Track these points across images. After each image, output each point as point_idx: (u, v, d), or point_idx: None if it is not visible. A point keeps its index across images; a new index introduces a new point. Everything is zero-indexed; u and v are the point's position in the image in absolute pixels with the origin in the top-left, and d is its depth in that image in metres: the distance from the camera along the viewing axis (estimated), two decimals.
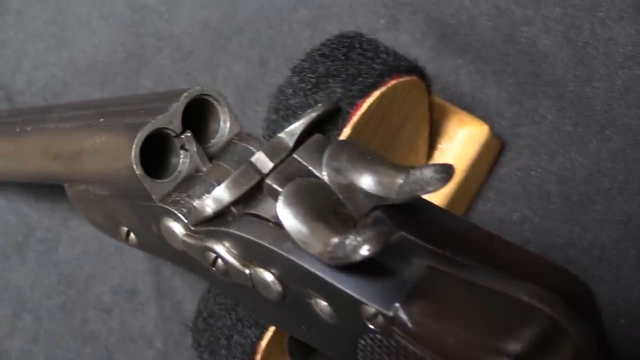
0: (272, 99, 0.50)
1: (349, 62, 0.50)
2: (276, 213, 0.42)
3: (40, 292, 0.68)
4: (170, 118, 0.47)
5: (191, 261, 0.48)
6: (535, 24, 0.63)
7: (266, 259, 0.44)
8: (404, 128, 0.52)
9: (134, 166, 0.46)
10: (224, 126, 0.49)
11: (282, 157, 0.45)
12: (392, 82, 0.49)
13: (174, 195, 0.48)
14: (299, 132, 0.46)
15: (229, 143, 0.49)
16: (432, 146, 0.57)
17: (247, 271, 0.45)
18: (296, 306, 0.44)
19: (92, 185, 0.52)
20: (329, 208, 0.42)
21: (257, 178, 0.45)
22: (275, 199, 0.42)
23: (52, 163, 0.53)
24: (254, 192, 0.45)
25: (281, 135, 0.46)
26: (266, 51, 0.69)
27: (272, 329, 0.52)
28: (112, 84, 0.71)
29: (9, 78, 0.73)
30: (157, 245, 0.50)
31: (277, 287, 0.44)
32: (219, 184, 0.47)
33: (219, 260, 0.46)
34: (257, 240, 0.44)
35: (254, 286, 0.45)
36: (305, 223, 0.41)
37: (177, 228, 0.47)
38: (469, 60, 0.64)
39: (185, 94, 0.48)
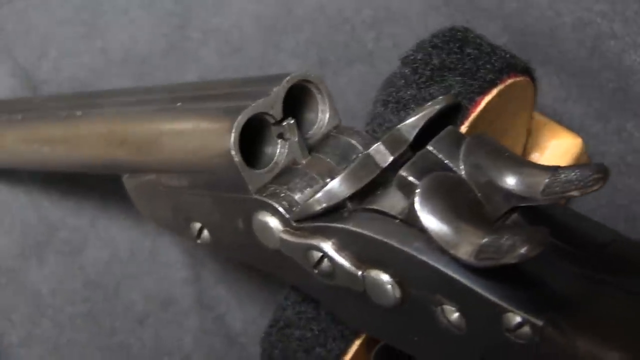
0: (378, 91, 0.47)
1: (466, 56, 0.47)
2: (404, 209, 0.40)
3: (63, 297, 0.64)
4: (272, 103, 0.44)
5: (281, 262, 0.45)
6: (622, 38, 0.61)
7: (387, 259, 0.41)
8: (509, 131, 0.50)
9: (233, 152, 0.43)
10: (323, 117, 0.47)
11: (402, 151, 0.42)
12: (510, 80, 0.46)
13: (271, 188, 0.45)
14: (420, 125, 0.43)
15: (328, 136, 0.46)
16: (523, 155, 0.54)
17: (359, 273, 0.42)
18: (414, 314, 0.41)
19: (165, 175, 0.48)
20: (467, 205, 0.39)
21: (377, 171, 0.42)
22: (407, 193, 0.39)
23: (117, 149, 0.50)
24: (371, 187, 0.42)
25: (400, 127, 0.43)
26: (325, 51, 0.65)
27: (357, 342, 0.48)
28: (150, 77, 0.67)
29: (34, 66, 0.68)
30: (239, 243, 0.47)
31: (396, 291, 0.41)
32: (322, 178, 0.44)
33: (325, 261, 0.43)
34: (380, 238, 0.41)
35: (364, 290, 0.42)
36: (449, 220, 0.38)
37: (274, 223, 0.45)
38: (551, 71, 0.62)
39: (288, 77, 0.45)
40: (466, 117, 0.46)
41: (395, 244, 0.40)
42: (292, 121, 0.45)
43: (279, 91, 0.44)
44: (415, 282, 0.40)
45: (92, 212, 0.66)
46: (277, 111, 0.44)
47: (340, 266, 0.42)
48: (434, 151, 0.41)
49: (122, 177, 0.53)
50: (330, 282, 0.43)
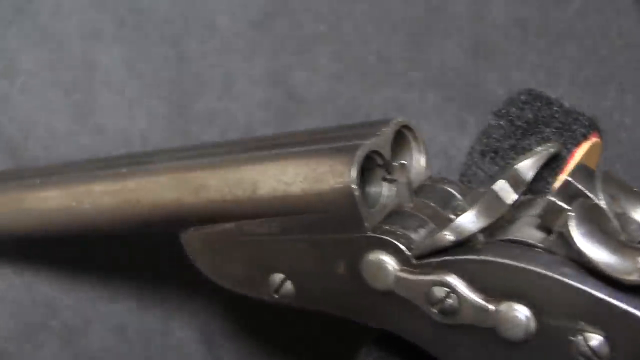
0: (473, 143, 0.49)
1: (554, 112, 0.50)
2: (544, 238, 0.41)
3: None
4: (382, 143, 0.45)
5: (385, 307, 0.45)
6: None
7: (525, 289, 0.41)
8: None
9: (353, 187, 0.44)
10: (418, 165, 0.48)
11: (524, 189, 0.44)
12: (594, 138, 0.49)
13: (385, 227, 0.45)
14: (537, 166, 0.45)
15: (423, 184, 0.47)
16: None
17: (490, 306, 0.42)
18: (546, 346, 0.42)
19: (251, 222, 0.48)
20: (611, 231, 0.41)
21: (505, 207, 0.43)
22: (549, 221, 0.41)
23: (192, 198, 0.49)
24: (497, 222, 0.43)
25: (517, 167, 0.45)
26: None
27: None
28: None
29: (20, 145, 0.67)
30: (333, 291, 0.47)
31: (531, 323, 0.42)
32: (431, 221, 0.45)
33: (450, 297, 0.43)
34: (523, 265, 0.42)
35: (494, 326, 0.42)
36: (605, 243, 0.39)
37: (391, 262, 0.45)
38: None
39: (395, 120, 0.46)
40: (565, 166, 0.48)
41: (541, 270, 0.41)
42: (404, 162, 0.45)
43: (388, 132, 0.45)
44: (556, 311, 0.41)
45: (92, 291, 0.63)
46: (386, 152, 0.45)
47: (469, 301, 0.42)
48: (574, 182, 0.42)
49: (183, 232, 0.51)
50: (451, 320, 0.43)
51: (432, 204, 0.46)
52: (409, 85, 0.65)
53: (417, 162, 0.47)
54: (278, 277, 0.49)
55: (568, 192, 0.42)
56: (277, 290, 0.49)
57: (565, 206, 0.41)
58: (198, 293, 0.62)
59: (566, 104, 0.50)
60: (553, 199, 0.41)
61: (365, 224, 0.44)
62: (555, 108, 0.50)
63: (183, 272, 0.61)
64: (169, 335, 0.62)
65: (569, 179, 0.42)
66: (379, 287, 0.45)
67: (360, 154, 0.44)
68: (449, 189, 0.47)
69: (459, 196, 0.46)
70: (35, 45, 0.69)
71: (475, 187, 0.49)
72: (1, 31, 0.70)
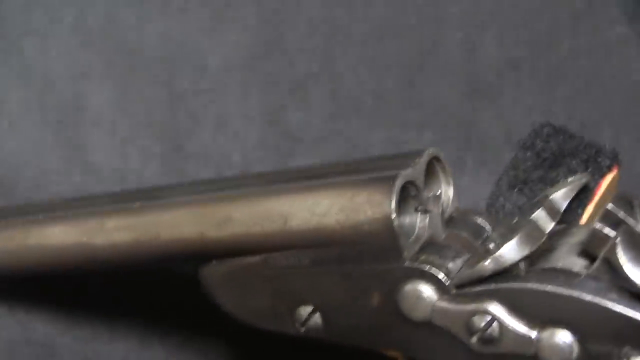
0: (502, 175, 0.50)
1: (578, 144, 0.51)
2: (586, 265, 0.42)
3: None
4: (417, 174, 0.46)
5: (421, 338, 0.46)
6: None
7: (570, 316, 0.42)
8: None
9: (393, 216, 0.44)
10: (446, 196, 0.48)
11: (559, 218, 0.45)
12: (615, 170, 0.51)
13: (422, 257, 0.45)
14: (570, 197, 0.46)
15: (452, 215, 0.48)
16: None
17: (533, 334, 0.43)
18: None
19: (279, 255, 0.48)
20: None
21: (544, 236, 0.44)
22: (594, 248, 0.42)
23: (216, 231, 0.49)
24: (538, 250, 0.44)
25: (551, 198, 0.46)
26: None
27: None
28: None
29: (12, 183, 0.66)
30: (364, 323, 0.47)
31: (574, 350, 0.42)
32: (466, 251, 0.46)
33: (490, 327, 0.43)
34: (568, 293, 0.42)
35: (535, 354, 0.43)
36: None
37: (429, 292, 0.45)
38: None
39: (428, 151, 0.47)
40: (592, 197, 0.49)
41: (587, 297, 0.41)
42: (438, 193, 0.46)
43: (422, 162, 0.46)
44: (601, 336, 0.41)
45: (91, 330, 0.62)
46: (420, 182, 0.46)
47: (511, 329, 0.43)
48: (614, 210, 0.43)
49: (203, 266, 0.51)
50: (491, 350, 0.44)
51: (463, 235, 0.46)
52: (406, 124, 0.65)
53: (446, 193, 0.48)
54: (305, 310, 0.48)
55: (610, 220, 0.42)
56: (303, 324, 0.49)
57: (610, 233, 0.41)
58: (202, 331, 0.62)
59: (586, 138, 0.51)
60: (598, 226, 0.42)
61: (404, 254, 0.44)
62: (578, 141, 0.51)
63: (186, 310, 0.61)
64: None
65: (611, 206, 0.43)
66: (417, 318, 0.45)
67: (398, 183, 0.44)
68: (478, 220, 0.47)
69: (488, 227, 0.47)
70: (23, 84, 0.69)
71: (503, 219, 0.49)
72: None
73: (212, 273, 0.51)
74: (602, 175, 0.50)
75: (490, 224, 0.47)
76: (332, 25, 0.71)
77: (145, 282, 0.65)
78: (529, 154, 0.52)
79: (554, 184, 0.49)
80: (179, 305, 0.64)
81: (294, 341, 0.50)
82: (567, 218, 0.47)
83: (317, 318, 0.48)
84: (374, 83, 0.68)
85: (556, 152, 0.52)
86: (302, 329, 0.49)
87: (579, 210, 0.49)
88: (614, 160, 0.51)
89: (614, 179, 0.51)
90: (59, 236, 0.55)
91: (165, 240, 0.51)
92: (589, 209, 0.49)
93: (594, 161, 0.51)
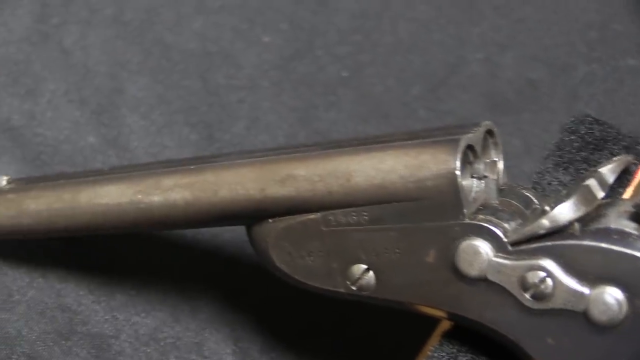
0: (548, 154, 0.54)
1: (616, 132, 0.55)
2: (638, 227, 0.45)
3: None
4: (476, 140, 0.49)
5: (475, 293, 0.48)
6: None
7: (622, 273, 0.45)
8: None
9: (457, 173, 0.47)
10: (499, 166, 0.51)
11: (607, 191, 0.48)
12: None
13: (480, 216, 0.48)
14: (617, 172, 0.49)
15: (501, 188, 0.51)
16: None
17: (585, 290, 0.45)
18: (636, 330, 0.45)
19: (339, 212, 0.50)
20: None
21: (597, 201, 0.47)
22: None
23: (278, 188, 0.51)
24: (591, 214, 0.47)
25: (600, 171, 0.49)
26: None
27: None
28: None
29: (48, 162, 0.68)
30: (418, 279, 0.49)
31: (623, 307, 0.45)
32: (518, 216, 0.48)
33: (545, 282, 0.46)
34: (621, 249, 0.45)
35: (585, 309, 0.45)
36: None
37: (485, 248, 0.47)
38: None
39: (485, 122, 0.50)
40: (630, 182, 0.52)
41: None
42: (495, 160, 0.49)
43: (481, 130, 0.49)
44: None
45: (123, 300, 0.64)
46: (478, 147, 0.49)
47: (564, 285, 0.45)
48: None
49: (257, 224, 0.53)
50: (542, 305, 0.46)
51: (515, 203, 0.49)
52: None
53: (499, 164, 0.51)
54: (359, 268, 0.50)
55: None
56: (355, 282, 0.51)
57: None
58: (234, 305, 0.64)
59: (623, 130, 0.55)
60: None
61: (464, 211, 0.47)
62: (617, 130, 0.55)
63: (219, 283, 0.63)
64: (202, 347, 0.63)
65: None
66: (472, 274, 0.47)
67: (462, 143, 0.47)
68: (527, 193, 0.50)
69: (535, 200, 0.49)
70: (61, 69, 0.71)
71: (550, 194, 0.52)
72: (26, 52, 0.71)
73: (267, 231, 0.53)
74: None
75: (537, 199, 0.50)
76: (361, 36, 0.74)
77: (181, 256, 0.66)
78: (573, 137, 0.55)
79: (597, 165, 0.51)
80: (213, 280, 0.66)
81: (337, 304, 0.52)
82: (611, 196, 0.50)
83: (369, 276, 0.50)
84: (401, 91, 0.72)
85: (599, 137, 0.55)
86: (354, 288, 0.51)
87: (620, 190, 0.52)
88: None
89: None
90: (113, 194, 0.56)
91: (224, 198, 0.53)
92: (630, 189, 0.52)
93: (634, 148, 0.54)
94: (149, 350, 0.63)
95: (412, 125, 0.69)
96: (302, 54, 0.73)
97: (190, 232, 0.66)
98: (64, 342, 0.62)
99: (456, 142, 0.47)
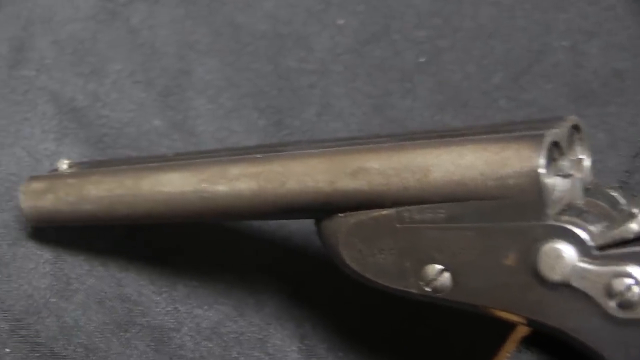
0: (637, 154, 0.52)
1: None
2: None
3: None
4: (562, 136, 0.46)
5: (557, 299, 0.46)
6: None
7: None
8: None
9: (541, 171, 0.44)
10: (585, 164, 0.49)
11: None
12: None
13: (564, 217, 0.45)
14: None
15: (587, 187, 0.48)
16: None
17: None
18: None
19: (414, 209, 0.48)
20: None
21: None
22: None
23: (350, 181, 0.50)
24: None
25: None
26: None
27: None
28: None
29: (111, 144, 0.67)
30: (496, 283, 0.47)
31: None
32: (604, 218, 0.46)
33: (631, 289, 0.44)
34: None
35: None
36: None
37: (569, 252, 0.45)
38: None
39: (571, 117, 0.48)
40: None
41: None
42: (581, 158, 0.47)
43: (567, 125, 0.47)
44: None
45: (186, 292, 0.63)
46: (564, 144, 0.46)
47: None
48: None
49: (326, 218, 0.51)
50: (629, 315, 0.44)
51: (601, 204, 0.47)
52: None
53: (585, 162, 0.48)
54: (434, 268, 0.49)
55: None
56: (429, 283, 0.49)
57: None
58: (301, 299, 0.62)
59: None
60: None
61: (547, 211, 0.44)
62: None
63: (286, 276, 0.61)
64: (266, 343, 0.61)
65: None
66: (554, 279, 0.45)
67: (547, 139, 0.44)
68: (613, 193, 0.48)
69: (623, 201, 0.47)
70: (127, 49, 0.70)
71: (638, 194, 0.50)
72: (92, 30, 0.70)
73: (337, 226, 0.51)
74: None
75: (625, 199, 0.48)
76: (441, 19, 0.72)
77: (246, 246, 0.65)
78: None
79: None
80: (279, 272, 0.64)
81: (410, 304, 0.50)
82: None
83: (445, 278, 0.49)
84: (481, 79, 0.69)
85: None
86: (428, 289, 0.49)
87: None
88: None
89: None
90: (176, 183, 0.55)
91: (291, 189, 0.52)
92: None
93: None
94: (210, 345, 0.62)
95: (492, 115, 0.67)
96: (377, 37, 0.71)
97: (255, 222, 0.64)
98: (122, 333, 0.61)
99: (541, 137, 0.45)
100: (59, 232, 0.64)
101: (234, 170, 0.53)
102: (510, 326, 0.52)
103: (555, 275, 0.45)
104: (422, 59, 0.71)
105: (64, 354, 0.60)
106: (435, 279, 0.49)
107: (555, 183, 0.47)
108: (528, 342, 0.50)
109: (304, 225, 0.62)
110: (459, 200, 0.47)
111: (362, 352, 0.62)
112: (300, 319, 0.63)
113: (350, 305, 0.62)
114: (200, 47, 0.71)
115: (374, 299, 0.57)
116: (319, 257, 0.64)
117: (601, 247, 0.45)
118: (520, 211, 0.45)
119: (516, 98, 0.69)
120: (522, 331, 0.51)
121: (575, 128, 0.48)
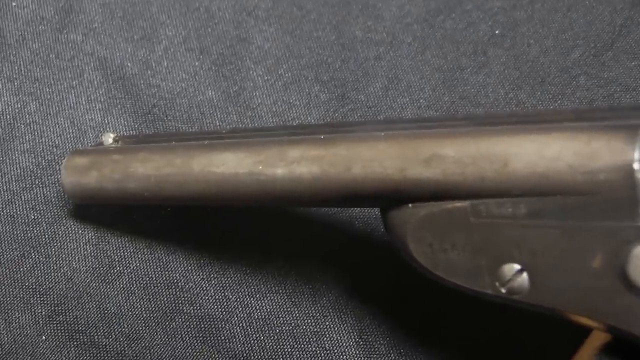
0: None
1: None
2: None
3: None
4: None
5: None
6: None
7: None
8: None
9: (635, 167, 0.41)
10: None
11: None
12: None
13: None
14: None
15: None
16: None
17: None
18: None
19: (491, 202, 0.44)
20: None
21: None
22: None
23: (423, 169, 0.46)
24: None
25: None
26: None
27: None
28: None
29: (162, 115, 0.63)
30: (582, 286, 0.44)
31: None
32: None
33: None
34: None
35: None
36: None
37: None
38: None
39: None
40: None
41: None
42: None
43: None
44: None
45: (237, 279, 0.59)
46: None
47: None
48: None
49: (395, 208, 0.48)
50: None
51: None
52: (593, 100, 0.62)
53: None
54: (512, 267, 0.45)
55: None
56: (506, 284, 0.46)
57: None
58: (361, 290, 0.59)
59: None
60: None
61: None
62: None
63: (345, 265, 0.58)
64: (323, 337, 0.58)
65: None
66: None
67: None
68: None
69: None
70: (180, 13, 0.66)
71: None
72: None
73: (406, 217, 0.48)
74: None
75: None
76: None
77: (302, 231, 0.62)
78: None
79: None
80: (337, 261, 0.61)
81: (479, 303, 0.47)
82: None
83: (523, 279, 0.45)
84: (559, 54, 0.65)
85: None
86: (503, 290, 0.45)
87: None
88: None
89: None
90: (230, 163, 0.52)
91: (357, 175, 0.48)
92: None
93: None
94: (262, 337, 0.58)
95: (571, 94, 0.63)
96: (450, 7, 0.67)
97: None
98: (167, 322, 0.58)
99: (635, 129, 0.41)
100: (103, 211, 0.61)
101: (294, 152, 0.50)
102: (585, 332, 0.47)
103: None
104: (496, 31, 0.67)
105: (104, 343, 0.57)
106: (512, 280, 0.45)
107: None
108: (611, 351, 0.47)
109: (366, 209, 0.59)
110: (542, 195, 0.44)
111: (425, 351, 0.58)
112: (360, 311, 0.59)
113: (413, 299, 0.59)
114: (259, 12, 0.67)
115: (439, 293, 0.54)
116: (382, 245, 0.60)
117: None
118: (611, 209, 0.42)
119: (597, 75, 0.65)
120: (599, 338, 0.47)
121: None
